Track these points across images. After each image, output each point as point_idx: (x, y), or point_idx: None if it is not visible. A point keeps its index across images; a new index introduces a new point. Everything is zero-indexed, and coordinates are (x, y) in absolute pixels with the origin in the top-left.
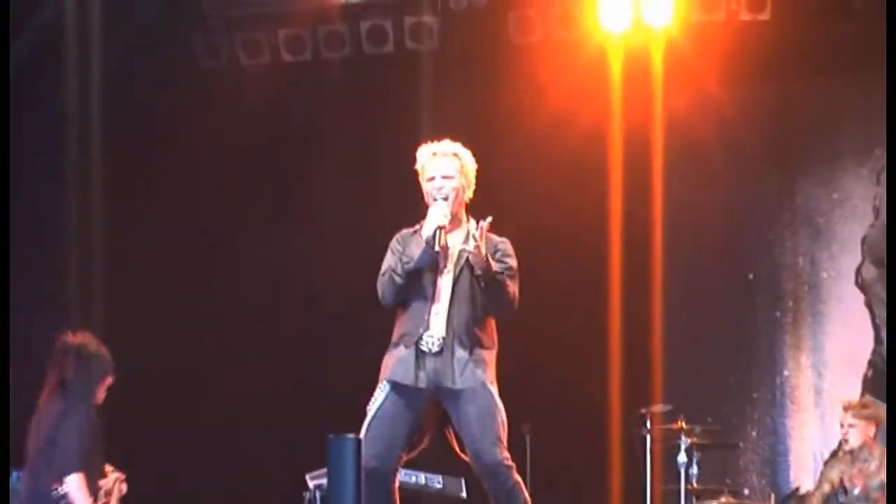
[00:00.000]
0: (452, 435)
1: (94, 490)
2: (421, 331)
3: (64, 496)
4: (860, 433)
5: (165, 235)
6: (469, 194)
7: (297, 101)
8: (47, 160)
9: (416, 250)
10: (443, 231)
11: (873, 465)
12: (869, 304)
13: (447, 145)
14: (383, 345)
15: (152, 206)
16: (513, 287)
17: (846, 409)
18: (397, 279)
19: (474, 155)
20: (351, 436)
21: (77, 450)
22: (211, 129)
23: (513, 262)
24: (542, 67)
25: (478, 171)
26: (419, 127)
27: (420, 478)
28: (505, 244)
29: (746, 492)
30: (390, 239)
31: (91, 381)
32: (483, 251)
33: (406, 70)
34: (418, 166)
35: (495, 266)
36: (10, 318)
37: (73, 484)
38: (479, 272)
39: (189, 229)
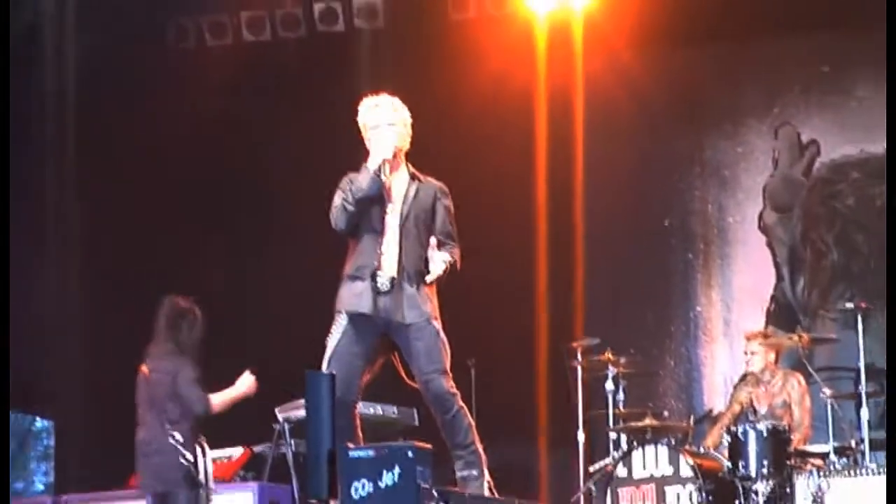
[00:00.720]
0: (401, 365)
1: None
2: (374, 265)
3: (180, 441)
4: (762, 359)
5: (138, 202)
6: (406, 143)
7: (258, 76)
8: (27, 135)
9: (363, 181)
10: (387, 163)
11: (776, 387)
12: (770, 246)
13: (386, 98)
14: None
15: (128, 172)
16: (457, 255)
17: (749, 338)
18: (348, 206)
19: (417, 118)
20: (324, 371)
21: (197, 397)
22: (182, 100)
23: (454, 226)
24: (477, 40)
25: (420, 129)
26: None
27: (377, 409)
28: (447, 196)
29: (666, 413)
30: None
31: (196, 340)
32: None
33: (355, 47)
34: (360, 118)
35: (441, 236)
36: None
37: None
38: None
39: (161, 196)
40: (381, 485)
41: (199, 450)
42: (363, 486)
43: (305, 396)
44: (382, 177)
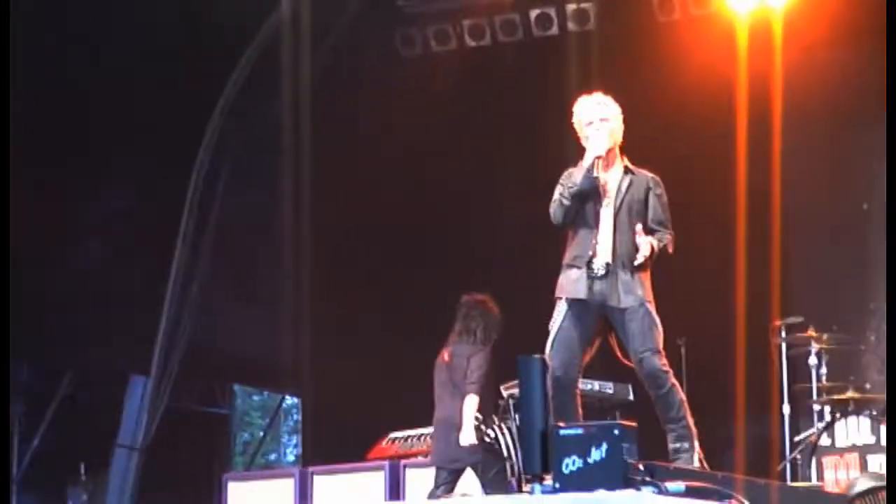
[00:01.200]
0: (617, 345)
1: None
2: (590, 254)
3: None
4: None
5: (380, 189)
6: (619, 138)
7: (478, 81)
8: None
9: (578, 176)
10: (600, 160)
11: None
12: None
13: (600, 96)
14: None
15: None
16: (669, 240)
17: None
18: (565, 201)
19: (629, 116)
20: (536, 356)
21: (477, 378)
22: (403, 110)
23: (667, 214)
24: (682, 40)
25: (630, 124)
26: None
27: (595, 385)
28: (659, 186)
29: (868, 386)
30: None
31: (490, 331)
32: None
33: (569, 49)
34: (575, 117)
35: (654, 224)
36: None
37: (470, 402)
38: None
39: (399, 183)
40: (590, 460)
41: (497, 427)
42: (573, 462)
43: (518, 380)
44: (595, 172)
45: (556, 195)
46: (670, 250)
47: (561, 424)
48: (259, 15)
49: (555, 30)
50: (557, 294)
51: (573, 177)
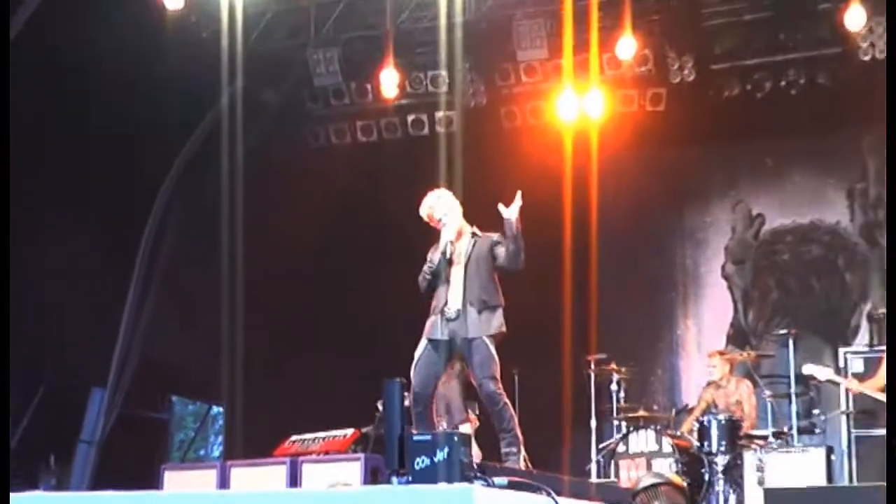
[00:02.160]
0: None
1: None
2: (443, 303)
3: None
4: (721, 370)
5: (294, 245)
6: (459, 217)
7: (368, 164)
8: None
9: (436, 258)
10: (451, 243)
11: (731, 389)
12: (730, 288)
13: (436, 195)
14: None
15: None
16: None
17: (711, 355)
18: (427, 276)
19: (483, 195)
20: (397, 380)
21: None
22: (310, 187)
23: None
24: (522, 142)
25: (482, 204)
26: (447, 183)
27: None
28: (501, 245)
29: (655, 407)
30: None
31: None
32: (516, 217)
33: (438, 146)
34: (425, 211)
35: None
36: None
37: None
38: (513, 232)
39: (309, 239)
40: (436, 459)
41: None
42: (423, 461)
43: (383, 398)
44: (448, 254)
45: (423, 270)
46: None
47: (414, 432)
48: (208, 100)
49: (426, 131)
50: (424, 334)
51: (433, 257)
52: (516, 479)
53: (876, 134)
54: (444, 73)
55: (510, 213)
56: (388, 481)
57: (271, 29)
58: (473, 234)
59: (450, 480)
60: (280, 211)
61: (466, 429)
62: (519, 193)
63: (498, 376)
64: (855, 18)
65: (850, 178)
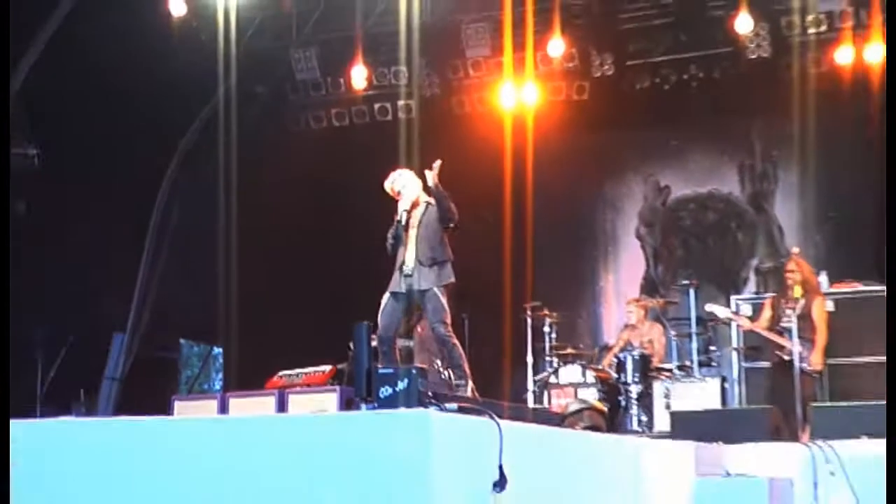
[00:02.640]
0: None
1: None
2: (401, 261)
3: None
4: (636, 315)
5: (283, 207)
6: (418, 191)
7: (342, 145)
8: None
9: (394, 228)
10: (406, 212)
11: (644, 331)
12: (643, 248)
13: (397, 174)
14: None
15: (271, 202)
16: (452, 206)
17: (628, 302)
18: (390, 241)
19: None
20: (365, 323)
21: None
22: (293, 164)
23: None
24: (471, 127)
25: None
26: (407, 159)
27: (408, 342)
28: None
29: (581, 345)
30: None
31: None
32: (436, 182)
33: (398, 129)
34: (389, 190)
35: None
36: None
37: None
38: (437, 196)
39: (295, 203)
40: (397, 389)
41: None
42: (386, 390)
43: (353, 339)
44: (403, 219)
45: (388, 234)
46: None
47: (380, 366)
48: (207, 93)
49: (390, 117)
50: (388, 287)
51: (392, 229)
52: (465, 405)
53: (761, 119)
54: (404, 68)
55: (429, 178)
56: (358, 407)
57: (260, 32)
58: (427, 203)
59: (409, 406)
60: (268, 184)
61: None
62: (438, 162)
63: (448, 321)
64: (743, 24)
65: (740, 156)
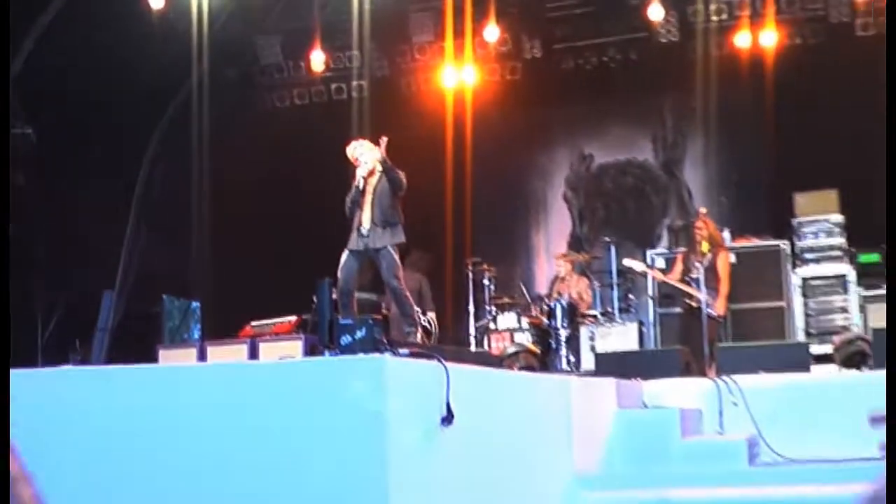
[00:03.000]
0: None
1: None
2: (358, 223)
3: None
4: (564, 268)
5: (251, 177)
6: (376, 163)
7: (304, 121)
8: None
9: (352, 192)
10: (363, 178)
11: (572, 282)
12: (569, 209)
13: (357, 143)
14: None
15: (241, 172)
16: (399, 175)
17: (557, 257)
18: (348, 204)
19: (390, 143)
20: (327, 279)
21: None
22: (259, 139)
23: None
24: (417, 104)
25: (391, 149)
26: (360, 132)
27: (367, 295)
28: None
29: (515, 296)
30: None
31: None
32: (384, 156)
33: (353, 108)
34: (349, 154)
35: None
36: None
37: None
38: (385, 168)
39: (259, 174)
40: (356, 337)
41: None
42: (347, 339)
43: (317, 293)
44: (361, 187)
45: (347, 198)
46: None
47: (340, 317)
48: (182, 77)
49: (345, 96)
50: (347, 246)
51: (350, 193)
52: (415, 350)
53: (671, 96)
54: (357, 52)
55: (377, 154)
56: (322, 354)
57: (229, 22)
58: (382, 173)
59: (366, 352)
60: (238, 157)
61: (432, 315)
62: (384, 139)
63: (400, 276)
64: (655, 12)
65: (653, 128)
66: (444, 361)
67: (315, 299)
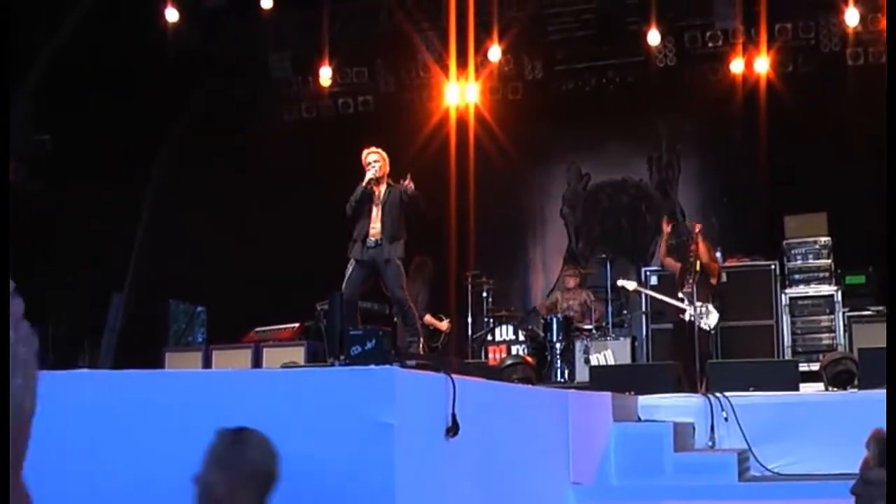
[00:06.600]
0: (384, 285)
1: None
2: (365, 233)
3: None
4: (573, 281)
5: (258, 191)
6: (386, 169)
7: (310, 134)
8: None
9: (357, 192)
10: (372, 181)
11: (572, 296)
12: (566, 226)
13: (373, 149)
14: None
15: (251, 181)
16: (423, 203)
17: (569, 269)
18: (352, 203)
19: (393, 155)
20: (339, 292)
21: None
22: (268, 149)
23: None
24: (422, 120)
25: (391, 159)
26: (367, 146)
27: (369, 304)
28: (406, 193)
29: (513, 308)
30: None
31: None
32: (412, 190)
33: (361, 122)
34: (363, 159)
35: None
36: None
37: None
38: (411, 198)
39: (267, 189)
40: (366, 348)
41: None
42: (357, 349)
43: (328, 304)
44: (369, 189)
45: (350, 199)
46: (420, 201)
47: (351, 328)
48: (196, 90)
49: (352, 111)
50: (349, 256)
51: (356, 192)
52: (422, 361)
53: (667, 118)
54: (364, 69)
55: (406, 190)
56: (324, 359)
57: (242, 38)
58: (389, 185)
59: (376, 363)
60: (247, 168)
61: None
62: (409, 175)
63: (405, 286)
64: (654, 37)
65: (649, 149)
66: (450, 374)
67: (318, 307)
